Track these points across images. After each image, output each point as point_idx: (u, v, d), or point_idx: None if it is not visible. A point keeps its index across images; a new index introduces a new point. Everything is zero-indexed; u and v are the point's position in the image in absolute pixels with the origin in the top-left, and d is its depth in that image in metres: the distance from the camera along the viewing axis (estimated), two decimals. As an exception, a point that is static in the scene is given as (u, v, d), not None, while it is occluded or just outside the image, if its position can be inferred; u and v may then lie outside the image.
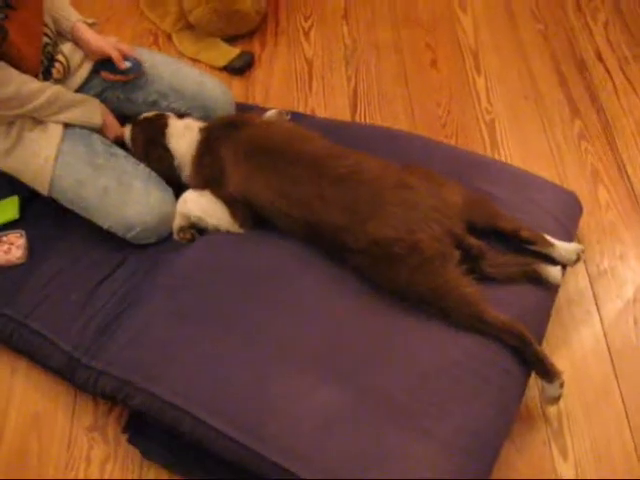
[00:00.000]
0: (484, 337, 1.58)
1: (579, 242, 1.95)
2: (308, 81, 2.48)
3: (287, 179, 1.73)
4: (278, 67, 2.54)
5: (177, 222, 1.91)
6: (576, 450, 1.68)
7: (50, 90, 1.83)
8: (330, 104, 2.40)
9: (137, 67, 1.98)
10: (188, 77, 2.08)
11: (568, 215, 1.84)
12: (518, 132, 2.24)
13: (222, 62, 2.51)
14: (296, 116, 2.19)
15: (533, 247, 1.70)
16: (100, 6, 2.81)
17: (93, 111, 1.94)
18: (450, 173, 1.81)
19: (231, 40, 2.61)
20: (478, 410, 1.51)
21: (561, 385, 1.58)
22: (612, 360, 1.78)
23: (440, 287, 1.58)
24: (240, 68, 2.49)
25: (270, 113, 2.15)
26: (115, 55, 1.94)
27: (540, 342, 1.68)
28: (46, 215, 1.99)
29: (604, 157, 2.16)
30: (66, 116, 1.89)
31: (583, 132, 2.22)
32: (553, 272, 1.68)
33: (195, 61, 2.57)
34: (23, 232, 1.96)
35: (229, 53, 2.53)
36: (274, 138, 1.82)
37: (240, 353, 1.60)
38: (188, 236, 1.90)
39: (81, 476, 1.72)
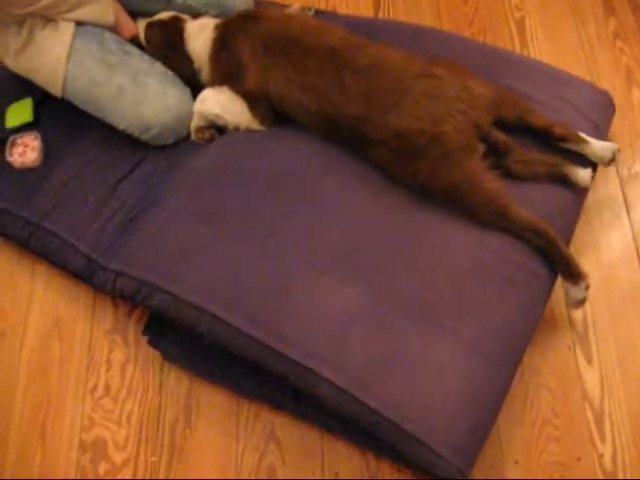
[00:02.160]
0: (510, 237, 1.53)
1: (610, 143, 1.90)
2: (331, -22, 2.36)
3: (306, 71, 1.66)
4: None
5: (195, 122, 1.85)
6: (601, 355, 1.66)
7: None
8: (352, 1, 2.29)
9: None
10: (204, -28, 1.99)
11: (600, 114, 1.76)
12: (549, 30, 2.13)
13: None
14: (318, 14, 2.08)
15: (566, 145, 1.63)
16: None
17: (105, 9, 1.85)
18: (476, 69, 1.72)
19: None
20: (502, 312, 1.49)
21: (586, 287, 1.54)
22: (641, 263, 1.75)
23: (463, 181, 1.53)
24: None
25: (292, 8, 2.05)
26: None
27: (567, 244, 1.64)
28: (60, 117, 1.93)
29: (640, 58, 2.06)
30: (78, 13, 1.80)
31: (618, 31, 2.10)
32: (582, 174, 1.61)
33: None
34: (38, 134, 1.91)
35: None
36: (293, 31, 1.74)
37: (259, 253, 1.57)
38: (207, 136, 1.85)
39: (102, 378, 1.74)
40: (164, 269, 1.59)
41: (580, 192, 1.66)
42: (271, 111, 1.77)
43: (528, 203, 1.57)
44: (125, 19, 1.93)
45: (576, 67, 2.03)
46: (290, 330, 1.46)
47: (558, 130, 1.63)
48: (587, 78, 1.98)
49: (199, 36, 1.87)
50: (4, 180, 1.87)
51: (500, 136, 1.60)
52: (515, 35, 2.12)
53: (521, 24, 2.14)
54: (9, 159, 1.88)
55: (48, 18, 1.79)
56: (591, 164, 1.65)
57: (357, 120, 1.60)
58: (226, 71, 1.81)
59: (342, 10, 2.25)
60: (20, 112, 1.96)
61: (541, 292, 1.55)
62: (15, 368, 1.78)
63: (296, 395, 1.57)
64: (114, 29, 1.89)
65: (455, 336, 1.44)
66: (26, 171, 1.88)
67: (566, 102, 1.74)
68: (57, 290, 1.87)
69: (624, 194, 1.85)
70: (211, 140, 1.84)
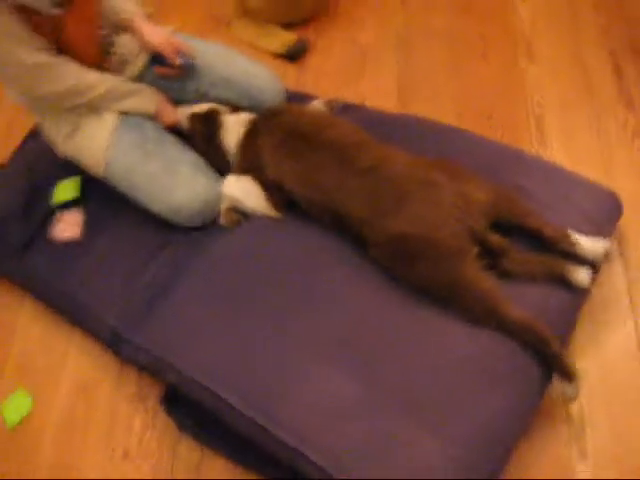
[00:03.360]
0: (502, 334, 1.59)
1: (620, 244, 1.94)
2: (359, 68, 2.50)
3: (311, 167, 1.79)
4: (331, 53, 2.58)
5: (224, 205, 2.00)
6: (596, 453, 1.67)
7: (107, 82, 1.95)
8: (380, 92, 2.42)
9: (188, 63, 2.06)
10: (238, 67, 2.15)
11: (604, 216, 1.81)
12: (568, 128, 2.20)
13: (277, 49, 2.58)
14: (345, 106, 2.22)
15: (559, 246, 1.69)
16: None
17: (147, 100, 2.04)
18: (485, 166, 1.83)
19: (288, 26, 2.65)
20: (490, 409, 1.53)
21: (579, 385, 1.59)
22: (643, 367, 1.77)
23: (457, 282, 1.61)
24: (294, 56, 2.55)
25: (316, 102, 2.20)
26: (167, 53, 2.02)
27: (564, 342, 1.69)
28: (104, 195, 2.10)
29: (658, 157, 2.10)
30: (122, 105, 2.00)
31: (637, 129, 2.16)
32: (581, 275, 1.66)
33: (253, 47, 2.64)
34: (81, 211, 2.10)
35: (285, 40, 2.59)
36: (303, 125, 1.88)
37: (264, 337, 1.68)
38: (234, 219, 1.98)
39: (122, 442, 1.86)
40: (176, 347, 1.73)
41: (580, 292, 1.70)
42: (285, 200, 1.90)
43: (525, 302, 1.63)
44: (167, 108, 2.11)
45: (592, 165, 2.10)
46: (284, 415, 1.55)
47: (548, 232, 1.69)
48: (602, 177, 2.04)
49: (234, 131, 2.03)
50: (46, 251, 2.05)
51: (495, 239, 1.67)
52: (534, 131, 2.20)
53: (541, 120, 2.22)
54: (52, 233, 2.07)
55: (95, 108, 1.99)
56: (592, 265, 1.70)
57: (357, 221, 1.71)
58: (249, 162, 1.96)
59: (370, 99, 2.38)
60: (67, 189, 2.16)
61: (532, 389, 1.59)
62: (44, 427, 1.92)
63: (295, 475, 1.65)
64: (155, 117, 2.08)
65: (440, 430, 1.49)
66: (67, 244, 2.05)
67: (570, 203, 1.80)
68: (88, 355, 2.01)
69: (631, 296, 1.87)
70: (237, 223, 1.97)
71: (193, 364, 1.68)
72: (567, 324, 1.70)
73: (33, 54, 1.80)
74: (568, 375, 1.58)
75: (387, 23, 2.62)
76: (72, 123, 1.99)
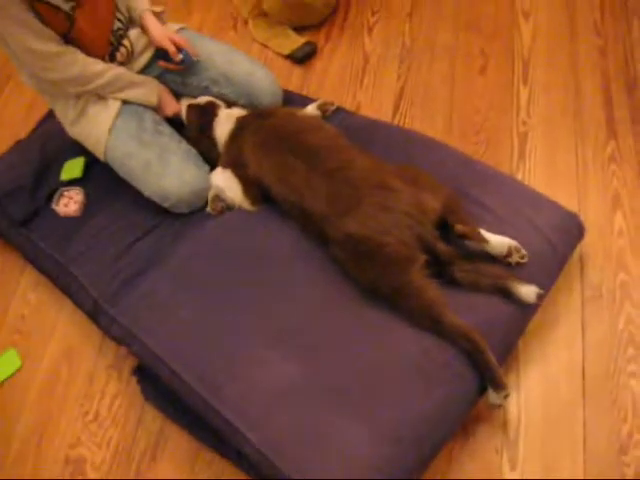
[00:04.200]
0: (444, 340, 1.69)
1: (582, 264, 2.00)
2: (361, 76, 2.60)
3: (286, 167, 1.91)
4: (337, 60, 2.68)
5: (211, 193, 2.13)
6: (525, 465, 1.74)
7: (112, 72, 2.09)
8: (376, 99, 2.51)
9: (188, 59, 2.19)
10: (240, 66, 2.27)
11: (561, 236, 1.87)
12: (549, 146, 2.25)
13: (286, 51, 2.69)
14: (338, 110, 2.33)
15: (470, 242, 1.77)
16: (193, -13, 3.08)
17: (150, 92, 2.19)
18: (450, 177, 1.93)
19: (300, 30, 2.76)
20: (422, 407, 1.63)
21: (505, 396, 1.68)
22: (584, 385, 1.82)
23: (402, 288, 1.70)
24: (301, 58, 2.65)
25: (310, 107, 2.30)
26: (171, 49, 2.16)
27: (508, 352, 1.78)
28: (104, 177, 2.26)
29: (630, 183, 2.14)
30: (125, 94, 2.14)
31: (615, 155, 2.20)
32: (525, 291, 1.73)
33: (265, 47, 2.76)
34: (82, 190, 2.27)
35: (295, 42, 2.70)
36: (285, 128, 2.01)
37: (223, 321, 1.82)
38: (219, 208, 2.11)
39: (95, 406, 2.02)
40: (144, 322, 1.89)
41: (527, 307, 1.77)
42: (262, 196, 2.03)
43: (469, 310, 1.72)
44: (168, 99, 2.26)
45: (566, 185, 2.16)
46: (229, 392, 1.69)
47: (459, 228, 1.77)
48: (574, 197, 2.12)
49: (224, 125, 2.17)
50: (47, 224, 2.23)
51: (444, 248, 1.75)
52: (515, 148, 2.26)
53: (524, 138, 2.28)
54: (55, 207, 2.24)
55: (100, 95, 2.14)
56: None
57: (320, 218, 1.82)
58: (232, 157, 2.09)
59: (366, 107, 2.49)
60: (73, 168, 2.32)
61: (464, 395, 1.68)
62: (29, 384, 2.10)
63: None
64: (157, 107, 2.22)
65: (368, 420, 1.60)
66: (66, 219, 2.23)
67: (526, 219, 1.87)
68: (76, 324, 2.18)
69: (583, 314, 1.93)
70: (221, 212, 2.11)
71: (155, 339, 1.84)
72: (510, 335, 1.78)
73: (43, 43, 1.94)
74: (497, 384, 1.67)
75: (393, 34, 2.70)
76: (78, 109, 2.15)
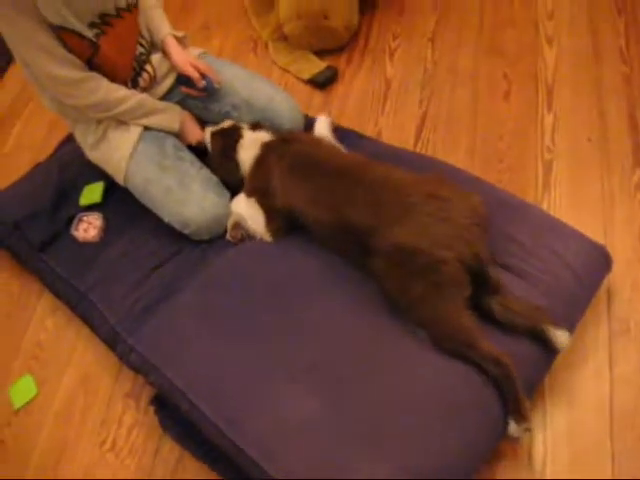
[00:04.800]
0: (469, 375, 1.64)
1: (609, 296, 1.95)
2: (382, 101, 2.58)
3: (321, 189, 1.87)
4: (358, 84, 2.67)
5: (231, 220, 2.11)
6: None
7: (134, 98, 2.08)
8: (397, 126, 2.50)
9: (211, 86, 2.19)
10: (261, 92, 2.26)
11: (588, 268, 1.84)
12: (574, 175, 2.22)
13: (307, 75, 2.68)
14: (360, 138, 2.32)
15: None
16: (214, 10, 3.08)
17: (172, 118, 2.18)
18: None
19: (321, 53, 2.76)
20: (445, 444, 1.59)
21: (526, 430, 1.63)
22: (612, 421, 1.77)
23: (443, 314, 1.64)
24: (322, 83, 2.64)
25: (321, 121, 2.27)
26: (194, 76, 2.15)
27: (534, 388, 1.74)
28: (123, 202, 2.24)
29: (658, 213, 2.10)
30: (148, 121, 2.13)
31: (641, 183, 2.18)
32: (561, 337, 1.69)
33: (285, 71, 2.76)
34: (101, 215, 2.25)
35: (315, 67, 2.69)
36: (314, 153, 1.97)
37: (244, 352, 1.79)
38: (238, 236, 2.09)
39: (112, 435, 1.99)
40: (164, 352, 1.86)
41: (554, 351, 1.73)
42: (286, 227, 2.00)
43: (496, 343, 1.66)
44: (191, 125, 2.24)
45: (592, 215, 2.12)
46: (249, 425, 1.66)
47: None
48: (600, 227, 2.08)
49: (249, 149, 2.14)
50: (66, 250, 2.21)
51: (494, 273, 1.70)
52: (540, 176, 2.23)
53: (549, 166, 2.25)
54: (74, 233, 2.22)
55: (121, 120, 2.13)
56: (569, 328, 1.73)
57: (364, 228, 1.74)
58: (257, 186, 2.06)
59: (388, 133, 2.47)
60: (92, 193, 2.31)
61: (491, 430, 1.64)
62: (45, 411, 2.07)
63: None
64: (180, 134, 2.21)
65: (391, 457, 1.56)
66: (85, 245, 2.22)
67: (552, 252, 1.84)
68: (93, 351, 2.15)
69: (611, 348, 1.88)
70: (241, 240, 2.09)
71: (174, 370, 1.81)
72: (535, 373, 1.73)
73: (66, 69, 1.94)
74: (520, 416, 1.63)
75: (415, 59, 2.69)
76: (99, 133, 2.14)
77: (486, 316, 1.72)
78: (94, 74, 2.01)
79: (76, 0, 1.86)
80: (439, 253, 1.63)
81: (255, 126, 2.21)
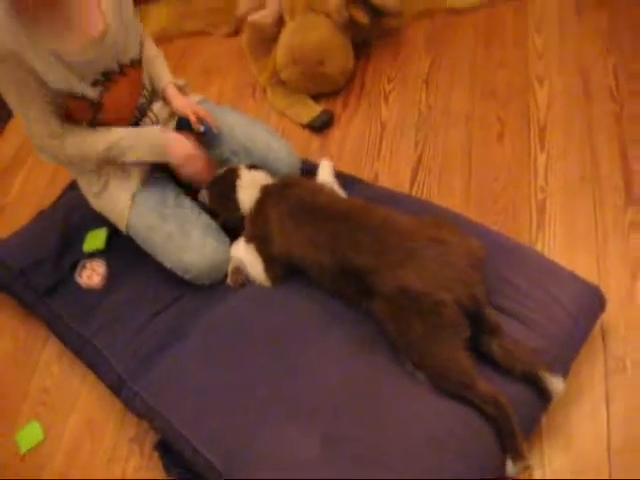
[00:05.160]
0: (466, 418, 1.67)
1: (603, 334, 1.98)
2: (378, 144, 2.63)
3: (323, 233, 1.89)
4: (354, 128, 2.72)
5: (231, 265, 2.15)
6: None
7: (110, 136, 2.05)
8: (393, 169, 2.54)
9: (209, 131, 2.24)
10: (259, 138, 2.31)
11: (583, 309, 1.86)
12: (567, 214, 2.25)
13: (305, 120, 2.74)
14: (356, 183, 2.36)
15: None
16: (213, 56, 3.15)
17: (151, 134, 2.12)
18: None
19: (318, 97, 2.82)
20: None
21: (524, 468, 1.66)
22: (610, 460, 1.77)
23: (442, 354, 1.67)
24: (319, 127, 2.70)
25: (324, 164, 2.33)
26: (192, 118, 2.20)
27: (530, 429, 1.75)
28: (126, 248, 2.29)
29: (652, 252, 2.12)
30: (129, 157, 2.10)
31: (634, 221, 2.18)
32: (556, 384, 1.71)
33: (282, 115, 2.82)
34: (104, 262, 2.31)
35: (312, 111, 2.75)
36: (313, 198, 2.00)
37: (245, 399, 1.82)
38: (239, 280, 2.13)
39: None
40: (167, 399, 1.90)
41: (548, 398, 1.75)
42: (284, 273, 2.04)
43: (492, 384, 1.69)
44: (178, 140, 2.16)
45: (585, 253, 2.14)
46: (254, 471, 1.68)
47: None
48: (594, 266, 2.10)
49: (248, 189, 2.15)
50: (70, 295, 2.27)
51: (493, 315, 1.74)
52: (534, 216, 2.25)
53: (542, 206, 2.27)
54: (78, 279, 2.27)
55: (121, 168, 2.16)
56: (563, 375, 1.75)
57: (366, 271, 1.77)
58: (256, 232, 2.10)
59: (383, 176, 2.52)
60: (96, 239, 2.37)
61: (489, 472, 1.65)
62: (51, 456, 2.12)
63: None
64: (170, 154, 2.14)
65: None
66: (89, 291, 2.26)
67: (547, 293, 1.86)
68: (98, 396, 2.20)
69: (607, 386, 1.89)
70: (242, 285, 2.13)
71: (178, 416, 1.85)
72: (533, 412, 1.75)
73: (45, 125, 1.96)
74: (518, 455, 1.65)
75: (410, 101, 2.74)
76: (102, 182, 2.20)
77: (482, 356, 1.75)
78: (80, 129, 2.04)
79: (78, 64, 1.91)
80: (439, 295, 1.67)
81: (252, 167, 2.24)
